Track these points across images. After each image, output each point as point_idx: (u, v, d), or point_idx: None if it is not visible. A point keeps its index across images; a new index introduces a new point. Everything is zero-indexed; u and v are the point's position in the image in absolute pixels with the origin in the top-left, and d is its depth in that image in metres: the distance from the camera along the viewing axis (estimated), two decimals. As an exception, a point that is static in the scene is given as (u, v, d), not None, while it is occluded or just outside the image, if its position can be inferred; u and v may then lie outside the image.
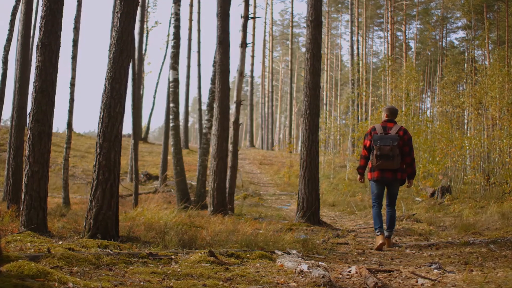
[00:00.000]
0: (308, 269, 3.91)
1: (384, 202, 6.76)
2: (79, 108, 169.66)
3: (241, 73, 12.50)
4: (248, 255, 4.82)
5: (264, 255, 4.86)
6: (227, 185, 11.87)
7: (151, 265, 4.20)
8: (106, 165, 5.63)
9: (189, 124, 74.52)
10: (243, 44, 12.55)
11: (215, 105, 11.26)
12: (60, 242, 5.28)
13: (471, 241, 6.35)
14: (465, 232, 7.97)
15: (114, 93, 5.73)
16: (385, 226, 6.71)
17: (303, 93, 9.25)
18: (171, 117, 13.94)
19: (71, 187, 18.04)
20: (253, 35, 38.98)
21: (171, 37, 14.55)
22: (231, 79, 12.56)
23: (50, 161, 6.16)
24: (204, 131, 14.22)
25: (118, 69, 5.77)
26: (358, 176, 6.93)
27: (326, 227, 8.81)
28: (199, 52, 26.23)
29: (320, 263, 4.49)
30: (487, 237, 6.90)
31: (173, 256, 4.52)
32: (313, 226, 8.64)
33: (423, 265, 4.85)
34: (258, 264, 4.56)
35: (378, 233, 6.39)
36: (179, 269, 3.99)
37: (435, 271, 4.50)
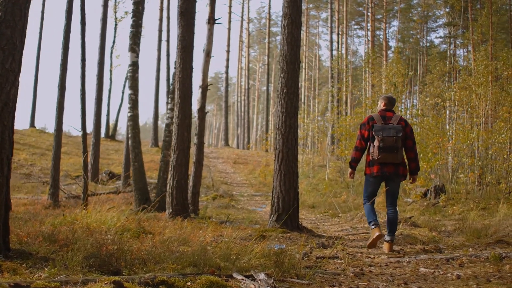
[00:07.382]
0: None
1: (379, 200, 5.65)
2: (44, 104, 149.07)
3: (208, 54, 10.75)
4: (189, 283, 3.06)
5: (215, 282, 3.09)
6: (190, 183, 10.15)
7: (9, 307, 2.44)
8: (-12, 146, 3.83)
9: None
10: (211, 20, 10.81)
11: (175, 89, 9.46)
12: None
13: (504, 254, 4.69)
14: (478, 239, 6.53)
15: (3, 42, 3.92)
16: (385, 231, 5.76)
17: (279, 68, 7.52)
18: (128, 105, 11.98)
19: (25, 187, 16.32)
20: (229, 23, 37.26)
21: (130, 15, 12.68)
22: (200, 61, 10.73)
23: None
24: (166, 121, 12.37)
25: (10, 8, 3.96)
26: (349, 170, 6.11)
27: (306, 233, 7.13)
28: (168, 41, 24.45)
29: (302, 297, 2.77)
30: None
31: (57, 290, 2.72)
32: (290, 232, 6.95)
33: (460, 296, 3.16)
34: (203, 300, 2.82)
35: (373, 226, 5.57)
36: (50, 319, 2.23)
37: (486, 309, 2.84)
